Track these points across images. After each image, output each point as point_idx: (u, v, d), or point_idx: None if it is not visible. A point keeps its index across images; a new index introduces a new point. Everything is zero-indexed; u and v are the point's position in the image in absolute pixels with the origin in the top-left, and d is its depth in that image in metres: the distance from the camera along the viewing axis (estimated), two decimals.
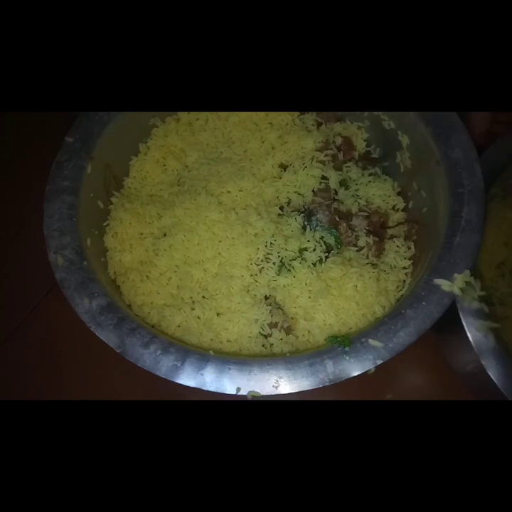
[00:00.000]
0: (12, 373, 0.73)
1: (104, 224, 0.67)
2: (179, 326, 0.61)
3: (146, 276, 0.64)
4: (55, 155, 0.64)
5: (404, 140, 0.69)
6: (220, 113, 0.74)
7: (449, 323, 0.54)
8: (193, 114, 0.74)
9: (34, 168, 0.67)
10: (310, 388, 0.50)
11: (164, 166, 0.73)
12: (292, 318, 0.62)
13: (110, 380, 0.70)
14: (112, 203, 0.69)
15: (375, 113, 0.71)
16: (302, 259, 0.63)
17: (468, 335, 0.53)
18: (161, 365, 0.51)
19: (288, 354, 0.56)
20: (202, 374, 0.50)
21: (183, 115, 0.74)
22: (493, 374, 0.51)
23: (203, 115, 0.74)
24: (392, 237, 0.69)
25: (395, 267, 0.65)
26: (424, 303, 0.53)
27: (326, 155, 0.71)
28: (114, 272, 0.65)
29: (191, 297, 0.63)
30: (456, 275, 0.54)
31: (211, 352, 0.54)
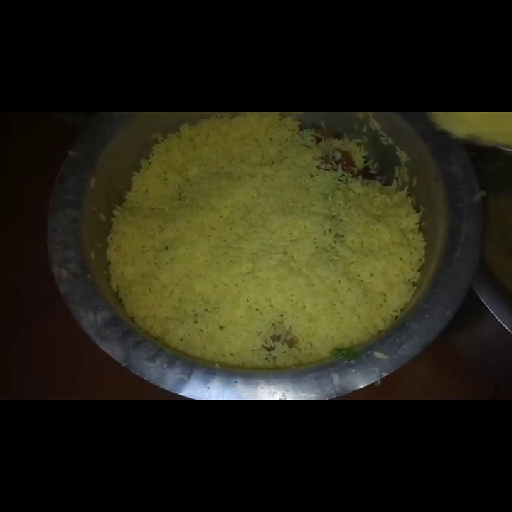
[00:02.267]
0: (13, 373, 0.72)
1: (107, 237, 0.67)
2: (182, 340, 0.60)
3: (149, 289, 0.64)
4: (58, 154, 0.64)
5: (403, 156, 0.70)
6: (220, 129, 0.75)
7: None
8: (194, 130, 0.75)
9: (35, 169, 0.67)
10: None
11: (165, 180, 0.73)
12: (294, 330, 0.62)
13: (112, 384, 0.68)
14: (114, 217, 0.69)
15: (374, 129, 0.73)
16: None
17: None
18: (167, 378, 0.51)
19: (293, 367, 0.56)
20: (208, 387, 0.50)
21: (185, 130, 0.75)
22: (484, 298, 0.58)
23: (204, 130, 0.75)
24: None
25: None
26: (427, 315, 0.54)
27: (325, 169, 0.72)
28: (117, 285, 0.65)
29: (194, 310, 0.63)
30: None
31: (217, 365, 0.54)
